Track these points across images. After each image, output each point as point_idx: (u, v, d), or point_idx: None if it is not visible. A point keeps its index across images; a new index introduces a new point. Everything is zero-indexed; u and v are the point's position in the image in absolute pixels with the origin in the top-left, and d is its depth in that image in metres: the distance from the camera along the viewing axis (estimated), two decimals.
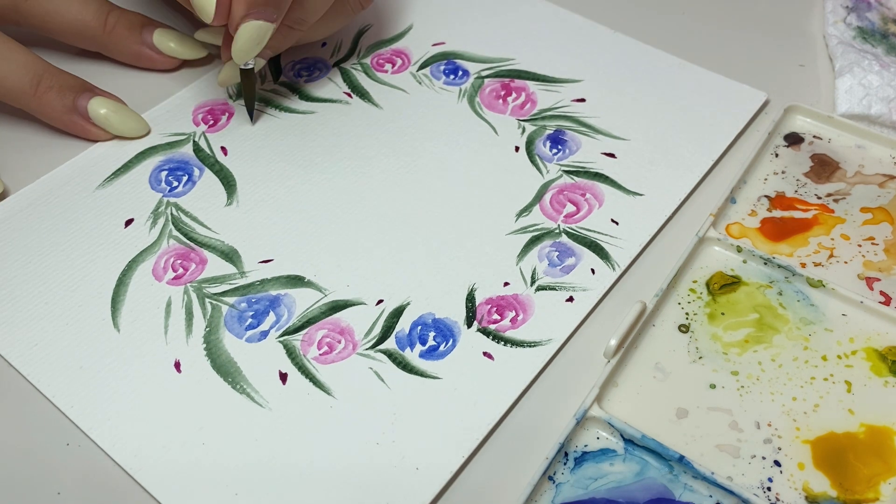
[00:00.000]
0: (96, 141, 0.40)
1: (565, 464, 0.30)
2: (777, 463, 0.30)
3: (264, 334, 0.33)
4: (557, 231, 0.37)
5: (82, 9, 0.41)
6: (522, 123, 0.41)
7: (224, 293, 0.34)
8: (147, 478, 0.29)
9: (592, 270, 0.35)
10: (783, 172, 0.40)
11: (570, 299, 0.34)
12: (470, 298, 0.34)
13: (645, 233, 0.37)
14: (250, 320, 0.33)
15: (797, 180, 0.39)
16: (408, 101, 0.43)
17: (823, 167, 0.40)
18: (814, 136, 0.41)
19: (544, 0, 0.48)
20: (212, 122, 0.41)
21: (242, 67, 0.39)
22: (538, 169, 0.39)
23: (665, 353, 0.33)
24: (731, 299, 0.35)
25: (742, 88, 0.43)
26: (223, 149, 0.40)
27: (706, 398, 0.31)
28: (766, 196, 0.38)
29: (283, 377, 0.32)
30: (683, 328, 0.34)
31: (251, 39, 0.36)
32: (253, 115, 0.41)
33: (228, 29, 0.37)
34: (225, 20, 0.36)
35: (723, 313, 0.34)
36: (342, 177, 0.39)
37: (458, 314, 0.34)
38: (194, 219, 0.37)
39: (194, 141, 0.40)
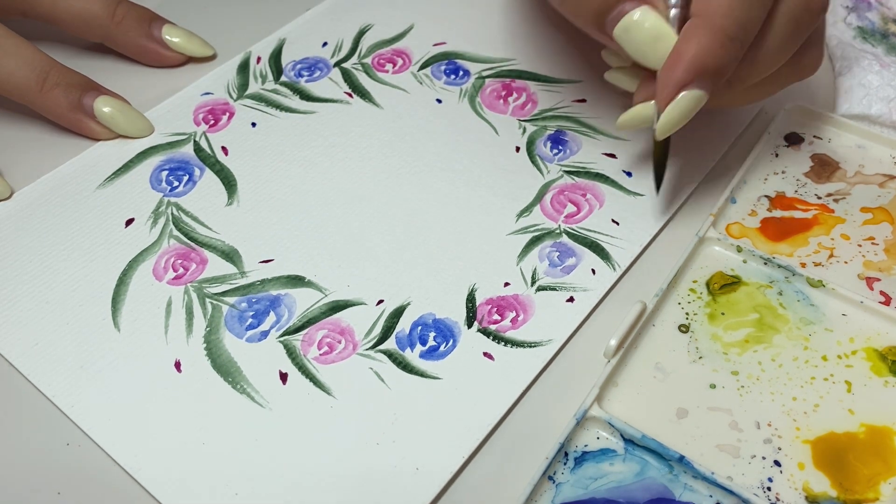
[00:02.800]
0: (99, 140, 0.40)
1: (565, 464, 0.30)
2: (777, 463, 0.30)
3: (265, 334, 0.33)
4: (558, 231, 0.37)
5: None
6: (523, 124, 0.42)
7: (224, 293, 0.34)
8: (147, 477, 0.29)
9: (593, 271, 0.35)
10: (783, 172, 0.40)
11: (571, 299, 0.34)
12: (470, 299, 0.34)
13: (645, 233, 0.37)
14: (251, 320, 0.33)
15: (797, 180, 0.39)
16: (408, 101, 0.43)
17: (823, 167, 0.40)
18: (814, 136, 0.41)
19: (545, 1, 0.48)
20: (212, 121, 0.41)
21: (657, 140, 0.35)
22: (539, 169, 0.39)
23: (665, 353, 0.33)
24: (731, 299, 0.35)
25: None
26: (224, 149, 0.40)
27: (706, 398, 0.31)
28: (766, 196, 0.38)
29: (284, 377, 0.32)
30: (683, 328, 0.34)
31: (684, 112, 0.32)
32: (660, 185, 0.37)
33: (658, 93, 0.33)
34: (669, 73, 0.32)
35: (723, 313, 0.34)
36: (343, 177, 0.39)
37: (458, 314, 0.34)
38: (195, 219, 0.37)
39: (195, 141, 0.40)
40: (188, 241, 0.36)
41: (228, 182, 0.38)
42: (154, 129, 0.41)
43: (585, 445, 0.30)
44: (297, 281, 0.35)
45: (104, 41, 0.43)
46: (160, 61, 0.44)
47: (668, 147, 0.36)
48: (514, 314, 0.34)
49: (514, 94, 0.43)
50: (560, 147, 0.40)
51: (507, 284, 0.35)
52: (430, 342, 0.33)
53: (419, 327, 0.33)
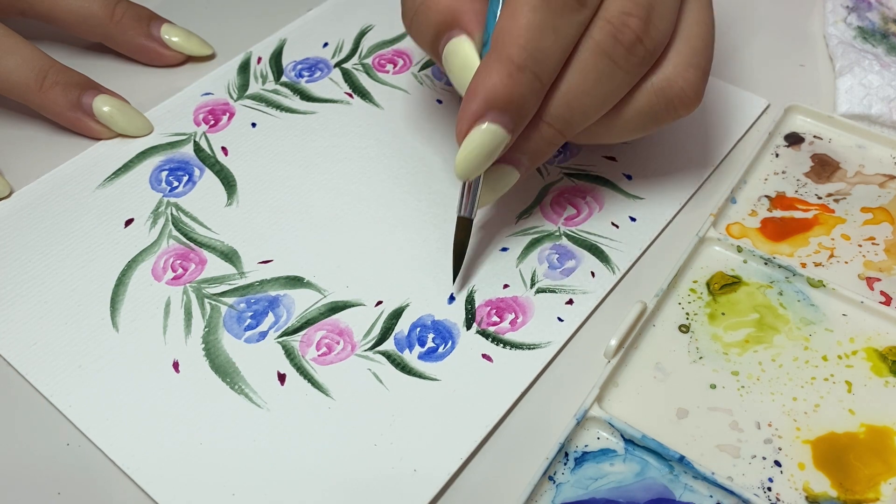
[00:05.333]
0: (99, 139, 0.40)
1: (565, 464, 0.30)
2: (777, 463, 0.30)
3: (263, 335, 0.33)
4: (558, 234, 0.37)
5: None
6: None
7: (223, 293, 0.34)
8: (144, 477, 0.29)
9: (592, 273, 0.35)
10: (783, 172, 0.39)
11: (570, 302, 0.34)
12: (469, 300, 0.34)
13: (645, 236, 0.37)
14: (249, 321, 0.33)
15: (797, 180, 0.39)
16: (409, 101, 0.43)
17: (824, 167, 0.40)
18: (814, 136, 0.41)
19: None
20: (213, 122, 0.41)
21: (460, 215, 0.33)
22: (539, 171, 0.39)
23: (665, 353, 0.33)
24: (731, 299, 0.34)
25: (744, 95, 0.43)
26: (224, 149, 0.40)
27: (706, 398, 0.31)
28: (766, 196, 0.38)
29: (282, 378, 0.32)
30: (684, 328, 0.34)
31: (480, 148, 0.30)
32: (458, 274, 0.34)
33: (456, 129, 0.31)
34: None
35: (723, 313, 0.34)
36: (342, 177, 0.39)
37: (457, 316, 0.34)
38: (194, 219, 0.37)
39: (195, 141, 0.40)
40: (187, 242, 0.36)
41: (228, 182, 0.38)
42: (153, 127, 0.41)
43: (586, 445, 0.30)
44: (295, 281, 0.35)
45: (103, 41, 0.43)
46: (159, 60, 0.44)
47: (468, 231, 0.34)
48: (513, 316, 0.34)
49: None
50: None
51: (506, 286, 0.35)
52: (429, 343, 0.33)
53: (418, 328, 0.33)
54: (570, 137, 0.33)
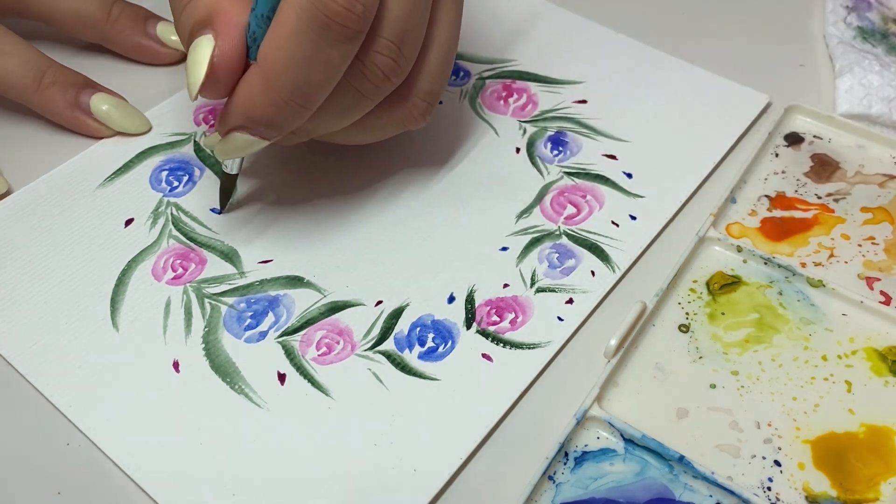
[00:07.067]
0: (98, 137, 0.40)
1: (565, 464, 0.30)
2: (777, 463, 0.30)
3: (263, 335, 0.33)
4: (558, 233, 0.37)
5: None
6: (523, 125, 0.41)
7: (223, 293, 0.34)
8: (144, 477, 0.29)
9: (592, 272, 0.35)
10: (783, 172, 0.39)
11: (570, 301, 0.34)
12: (469, 300, 0.34)
13: (645, 235, 0.37)
14: (249, 321, 0.33)
15: (797, 180, 0.39)
16: None
17: (823, 167, 0.40)
18: (814, 136, 0.41)
19: (546, 1, 0.48)
20: (213, 121, 0.41)
21: (225, 171, 0.36)
22: (539, 170, 0.39)
23: (665, 353, 0.33)
24: (731, 299, 0.34)
25: (743, 91, 0.43)
26: None
27: (706, 398, 0.31)
28: (766, 196, 0.38)
29: (282, 378, 0.32)
30: (683, 328, 0.34)
31: (236, 148, 0.32)
32: (224, 208, 0.37)
33: (217, 122, 0.32)
34: (214, 96, 0.31)
35: (723, 313, 0.34)
36: (342, 177, 0.39)
37: (457, 316, 0.34)
38: (194, 219, 0.37)
39: (195, 141, 0.40)
40: (187, 242, 0.36)
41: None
42: (151, 125, 0.41)
43: (585, 445, 0.30)
44: (295, 281, 0.35)
45: (100, 41, 0.43)
46: (157, 59, 0.44)
47: (233, 181, 0.36)
48: (513, 315, 0.34)
49: (515, 95, 0.43)
50: (560, 148, 0.40)
51: (506, 286, 0.35)
52: (429, 343, 0.33)
53: (418, 328, 0.33)
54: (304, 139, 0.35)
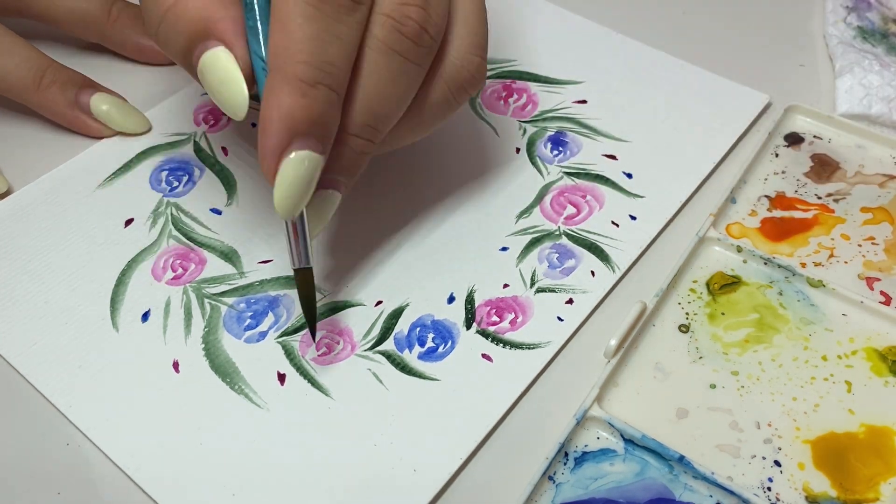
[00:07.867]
0: (97, 137, 0.40)
1: (565, 464, 0.30)
2: (777, 463, 0.30)
3: (263, 335, 0.33)
4: (557, 233, 0.37)
5: None
6: (523, 125, 0.41)
7: (223, 293, 0.34)
8: (144, 477, 0.29)
9: (592, 273, 0.35)
10: (783, 172, 0.39)
11: (570, 301, 0.34)
12: (469, 300, 0.34)
13: (645, 235, 0.37)
14: (249, 321, 0.33)
15: (797, 180, 0.39)
16: None
17: (823, 167, 0.40)
18: (814, 136, 0.41)
19: (546, 1, 0.48)
20: (213, 121, 0.41)
21: (296, 267, 0.30)
22: (539, 170, 0.39)
23: (665, 353, 0.33)
24: (731, 299, 0.34)
25: (743, 91, 0.43)
26: (224, 149, 0.40)
27: (706, 398, 0.31)
28: (766, 196, 0.38)
29: (282, 378, 0.32)
30: (683, 328, 0.34)
31: (297, 180, 0.27)
32: (315, 329, 0.32)
33: (262, 167, 0.28)
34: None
35: (723, 313, 0.34)
36: None
37: (457, 316, 0.34)
38: (194, 219, 0.37)
39: (195, 141, 0.40)
40: (187, 242, 0.36)
41: (228, 182, 0.38)
42: (151, 125, 0.41)
43: (585, 445, 0.30)
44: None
45: (100, 40, 0.43)
46: (157, 58, 0.44)
47: (311, 281, 0.31)
48: (512, 316, 0.34)
49: (515, 95, 0.43)
50: (560, 148, 0.40)
51: (506, 286, 0.35)
52: (429, 343, 0.33)
53: (418, 328, 0.33)
54: (379, 142, 0.31)
